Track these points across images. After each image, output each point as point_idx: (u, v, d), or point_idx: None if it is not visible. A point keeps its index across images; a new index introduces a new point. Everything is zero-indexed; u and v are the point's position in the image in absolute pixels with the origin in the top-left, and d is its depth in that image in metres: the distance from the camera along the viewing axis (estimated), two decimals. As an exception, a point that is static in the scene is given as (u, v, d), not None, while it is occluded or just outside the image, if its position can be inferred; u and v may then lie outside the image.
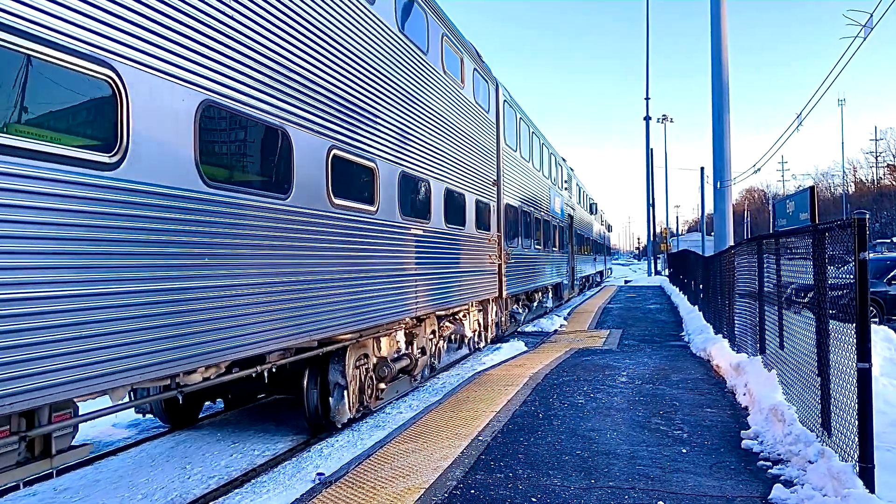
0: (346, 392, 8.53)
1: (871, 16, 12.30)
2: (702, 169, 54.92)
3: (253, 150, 6.54)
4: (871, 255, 5.62)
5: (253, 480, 7.06)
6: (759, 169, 21.85)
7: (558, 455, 6.53)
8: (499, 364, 12.27)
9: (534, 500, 5.34)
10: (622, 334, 16.90)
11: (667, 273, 49.42)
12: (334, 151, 7.78)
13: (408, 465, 6.26)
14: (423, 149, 10.71)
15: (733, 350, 11.36)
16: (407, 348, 10.73)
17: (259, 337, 6.27)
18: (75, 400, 4.74)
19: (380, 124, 9.06)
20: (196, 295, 5.44)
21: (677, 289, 30.78)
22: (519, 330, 18.71)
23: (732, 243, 17.03)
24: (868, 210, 5.47)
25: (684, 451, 6.65)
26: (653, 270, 62.02)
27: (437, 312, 11.81)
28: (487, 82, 15.16)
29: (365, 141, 8.59)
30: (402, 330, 10.50)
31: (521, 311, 19.27)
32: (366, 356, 9.28)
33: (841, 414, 5.37)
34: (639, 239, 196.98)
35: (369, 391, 9.34)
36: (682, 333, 16.83)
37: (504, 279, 15.74)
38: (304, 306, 7.05)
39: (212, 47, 5.71)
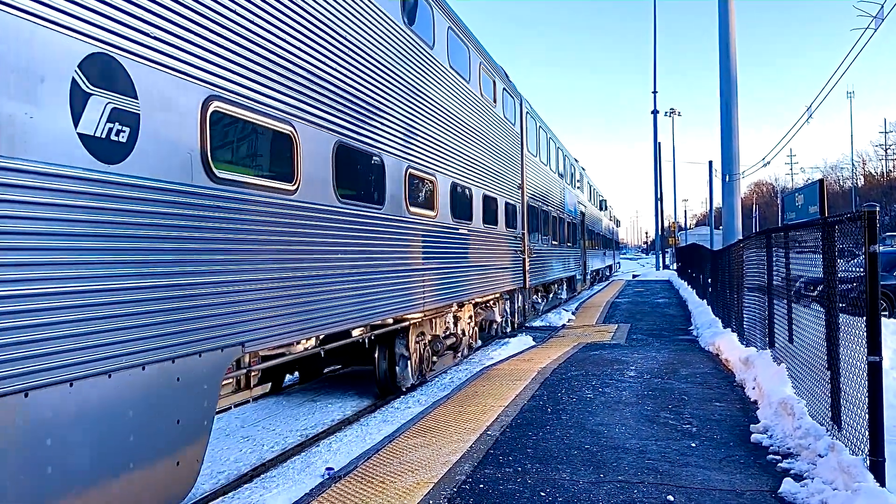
0: (409, 362, 10.34)
1: (882, 7, 12.21)
2: (710, 162, 54.59)
3: (362, 173, 8.45)
4: (881, 248, 5.58)
5: (262, 475, 7.09)
6: (768, 162, 21.79)
7: (567, 449, 6.53)
8: (506, 359, 12.28)
9: (543, 494, 5.34)
10: (630, 329, 16.88)
11: (675, 267, 49.33)
12: (410, 170, 9.66)
13: (416, 460, 6.28)
14: (467, 162, 12.66)
15: (742, 344, 11.33)
16: (454, 329, 12.49)
17: (364, 313, 8.15)
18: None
19: (438, 144, 11.04)
20: (337, 279, 7.46)
21: (685, 283, 30.71)
22: (527, 324, 18.72)
23: (741, 237, 16.97)
24: (878, 203, 5.42)
25: (693, 445, 6.63)
26: (661, 265, 61.90)
27: (475, 300, 13.53)
28: (514, 98, 17.18)
29: (428, 158, 10.54)
30: (451, 313, 12.28)
31: (539, 301, 21.08)
32: (423, 334, 10.97)
33: (851, 408, 5.35)
34: (647, 233, 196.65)
35: (426, 362, 11.20)
36: (691, 328, 16.79)
37: (528, 272, 17.50)
38: (387, 291, 8.86)
39: (343, 104, 7.69)
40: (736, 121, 19.60)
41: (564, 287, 26.04)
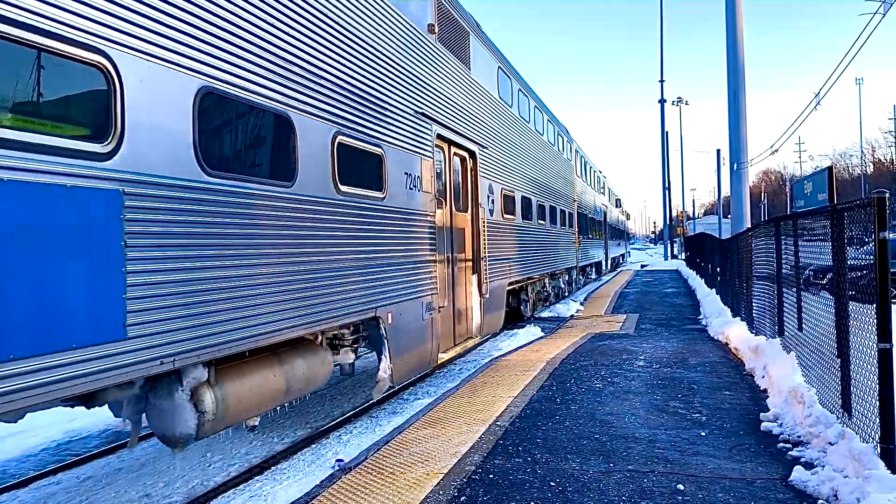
0: (528, 304, 17.77)
1: (890, -8, 12.09)
2: (718, 151, 54.42)
3: (526, 206, 16.59)
4: (890, 234, 5.55)
5: (273, 467, 7.12)
6: (776, 150, 21.69)
7: (577, 439, 6.54)
8: (515, 349, 12.29)
9: (553, 484, 5.35)
10: (639, 318, 16.86)
11: (683, 257, 49.18)
12: (538, 201, 18.15)
13: (426, 451, 6.30)
14: (554, 191, 21.17)
15: (751, 333, 11.30)
16: (547, 288, 20.66)
17: (524, 272, 16.08)
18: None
19: (547, 184, 19.76)
20: (526, 256, 16.21)
21: (694, 272, 30.62)
22: (535, 315, 18.75)
23: (750, 225, 16.89)
24: (887, 190, 5.40)
25: (703, 434, 6.63)
26: (669, 254, 61.73)
27: (555, 272, 21.47)
28: (570, 143, 26.18)
29: (545, 193, 19.30)
30: (547, 278, 20.26)
31: (581, 277, 29.11)
32: (533, 288, 18.39)
33: (862, 395, 5.34)
34: (654, 223, 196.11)
35: (534, 305, 18.76)
36: (700, 317, 16.75)
37: (578, 256, 25.99)
38: (524, 263, 16.08)
39: (535, 185, 18.01)
40: (744, 109, 19.49)
41: (594, 270, 34.13)
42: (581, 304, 21.26)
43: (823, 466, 5.30)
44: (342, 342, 7.82)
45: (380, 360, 8.20)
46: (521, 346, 12.69)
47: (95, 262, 4.24)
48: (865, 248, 5.38)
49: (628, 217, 77.72)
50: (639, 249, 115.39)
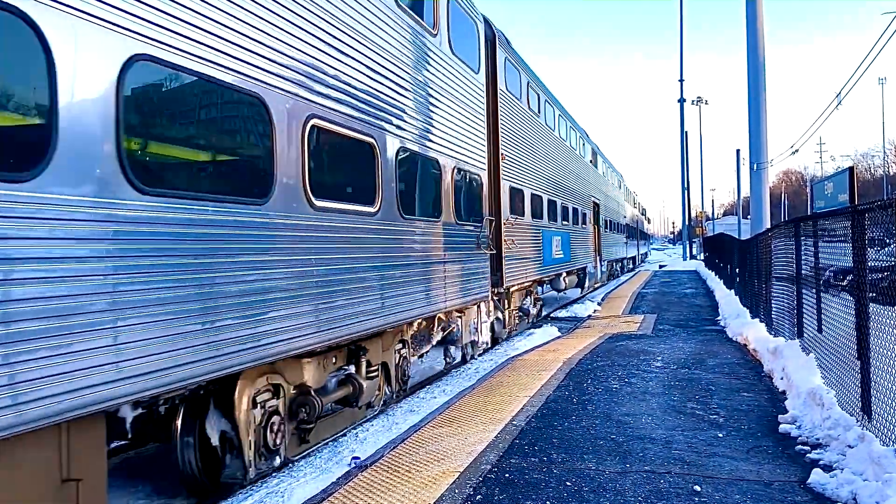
0: (604, 274, 30.86)
1: (914, -10, 11.93)
2: (738, 151, 53.93)
3: (614, 225, 35.80)
4: (913, 236, 5.49)
5: (290, 464, 7.17)
6: (796, 150, 21.55)
7: (593, 439, 6.53)
8: (532, 349, 12.27)
9: (568, 483, 5.35)
10: (657, 319, 16.77)
11: (702, 257, 48.87)
12: (612, 220, 33.81)
13: (442, 449, 6.32)
14: (618, 212, 37.51)
15: (770, 334, 11.21)
16: (613, 268, 35.47)
17: (608, 257, 32.69)
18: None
19: (616, 210, 36.71)
20: (609, 249, 32.94)
21: (713, 273, 30.41)
22: (552, 315, 18.72)
23: (769, 226, 16.76)
24: (910, 190, 5.39)
25: (720, 435, 6.60)
26: (688, 255, 61.34)
27: (616, 259, 35.89)
28: (623, 182, 42.08)
29: (614, 215, 34.67)
30: (613, 262, 35.05)
31: (626, 265, 42.04)
32: (609, 267, 32.93)
33: (881, 397, 5.29)
34: (673, 223, 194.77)
35: (608, 277, 33.09)
36: (718, 318, 16.63)
37: (625, 251, 40.31)
38: (608, 252, 31.94)
39: (620, 221, 40.65)
40: (764, 108, 19.35)
41: (631, 262, 47.26)
42: (598, 304, 21.18)
43: (842, 469, 5.26)
44: (574, 275, 22.01)
45: (582, 286, 23.47)
46: (537, 346, 12.67)
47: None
48: (886, 249, 5.33)
49: (649, 221, 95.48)
50: (658, 249, 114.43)
